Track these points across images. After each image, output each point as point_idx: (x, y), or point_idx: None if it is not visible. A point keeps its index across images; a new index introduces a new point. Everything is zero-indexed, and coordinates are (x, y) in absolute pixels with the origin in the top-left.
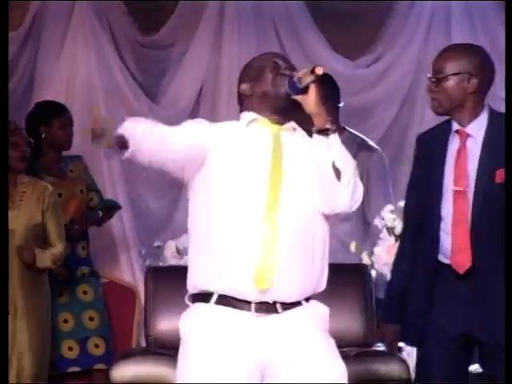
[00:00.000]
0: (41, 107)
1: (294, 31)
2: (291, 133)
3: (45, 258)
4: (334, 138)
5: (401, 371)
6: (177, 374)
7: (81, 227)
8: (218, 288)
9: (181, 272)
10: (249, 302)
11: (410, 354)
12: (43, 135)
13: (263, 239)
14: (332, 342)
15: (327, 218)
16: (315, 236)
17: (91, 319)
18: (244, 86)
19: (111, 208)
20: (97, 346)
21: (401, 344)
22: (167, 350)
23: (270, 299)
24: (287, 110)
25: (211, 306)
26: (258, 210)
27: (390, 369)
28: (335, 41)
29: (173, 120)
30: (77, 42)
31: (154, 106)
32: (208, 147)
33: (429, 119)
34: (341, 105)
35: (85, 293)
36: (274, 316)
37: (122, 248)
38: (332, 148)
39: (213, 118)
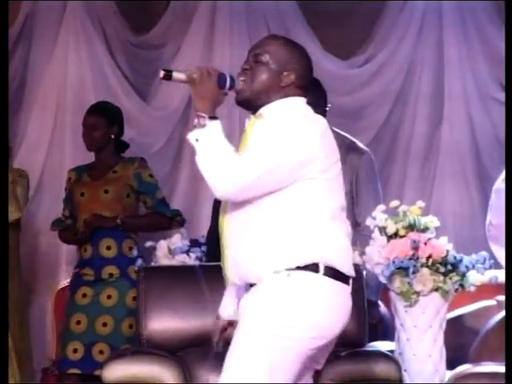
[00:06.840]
0: None
1: (285, 31)
2: (261, 120)
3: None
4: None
5: (392, 371)
6: None
7: (97, 224)
8: None
9: (172, 272)
10: None
11: (401, 353)
12: None
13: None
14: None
15: None
16: (259, 213)
17: (104, 325)
18: None
19: (161, 215)
20: (101, 352)
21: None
22: (159, 349)
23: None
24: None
25: None
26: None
27: (381, 368)
28: (327, 40)
29: (165, 120)
30: (68, 42)
31: (146, 106)
32: None
33: (421, 119)
34: (328, 107)
35: (109, 297)
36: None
37: None
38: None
39: None
